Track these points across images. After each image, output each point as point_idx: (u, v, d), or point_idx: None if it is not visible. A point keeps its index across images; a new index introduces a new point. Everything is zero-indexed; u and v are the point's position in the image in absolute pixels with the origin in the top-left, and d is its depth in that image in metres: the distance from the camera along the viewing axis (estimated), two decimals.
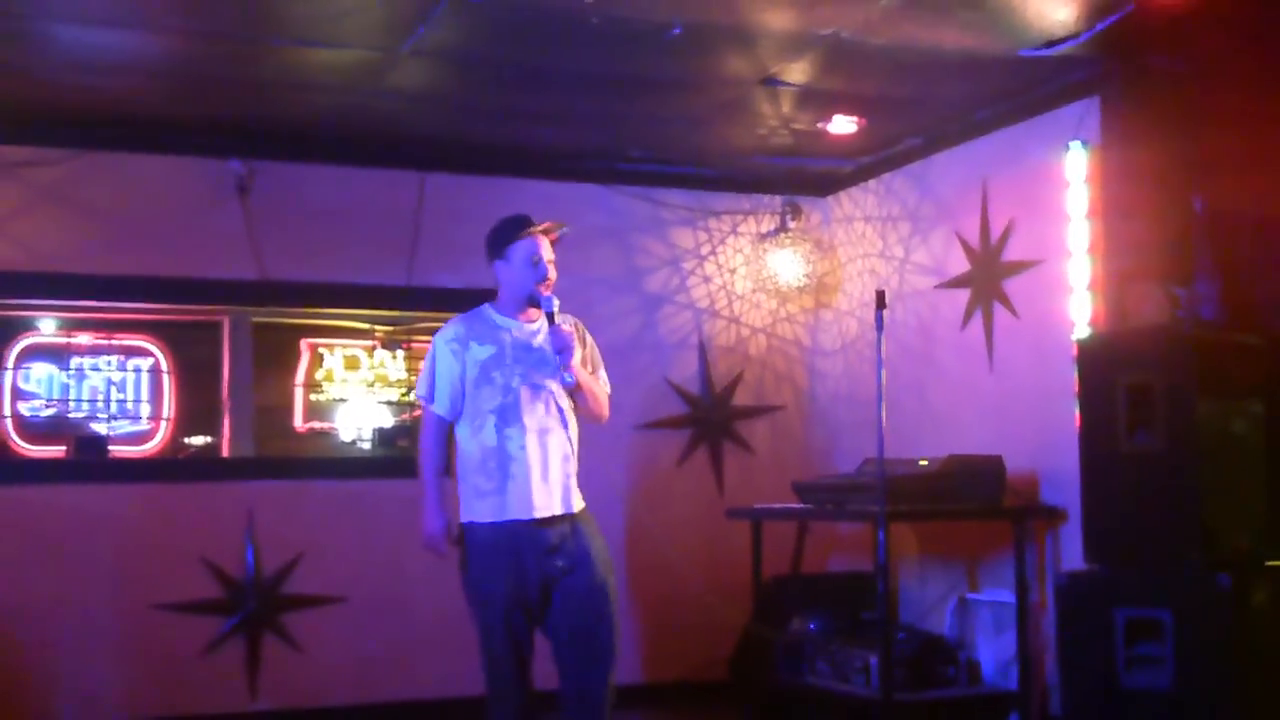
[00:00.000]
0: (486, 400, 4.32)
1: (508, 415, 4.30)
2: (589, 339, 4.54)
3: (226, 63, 5.76)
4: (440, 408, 4.41)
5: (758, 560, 6.60)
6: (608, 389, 4.56)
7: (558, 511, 4.31)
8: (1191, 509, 4.89)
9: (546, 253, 4.39)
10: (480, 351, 4.35)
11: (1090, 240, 5.91)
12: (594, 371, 4.51)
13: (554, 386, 4.35)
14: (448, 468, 4.48)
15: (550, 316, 4.34)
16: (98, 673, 6.35)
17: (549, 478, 4.32)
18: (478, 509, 4.34)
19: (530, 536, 4.27)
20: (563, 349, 4.29)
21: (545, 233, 4.42)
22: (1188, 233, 5.55)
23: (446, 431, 4.46)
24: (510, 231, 4.40)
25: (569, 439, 4.40)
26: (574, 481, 4.39)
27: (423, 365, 4.50)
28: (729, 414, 7.63)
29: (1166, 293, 5.49)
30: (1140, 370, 5.08)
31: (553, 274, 4.40)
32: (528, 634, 4.34)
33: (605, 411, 4.52)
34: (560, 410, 4.38)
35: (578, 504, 4.38)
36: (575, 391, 4.36)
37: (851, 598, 6.69)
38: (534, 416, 4.31)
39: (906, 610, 6.92)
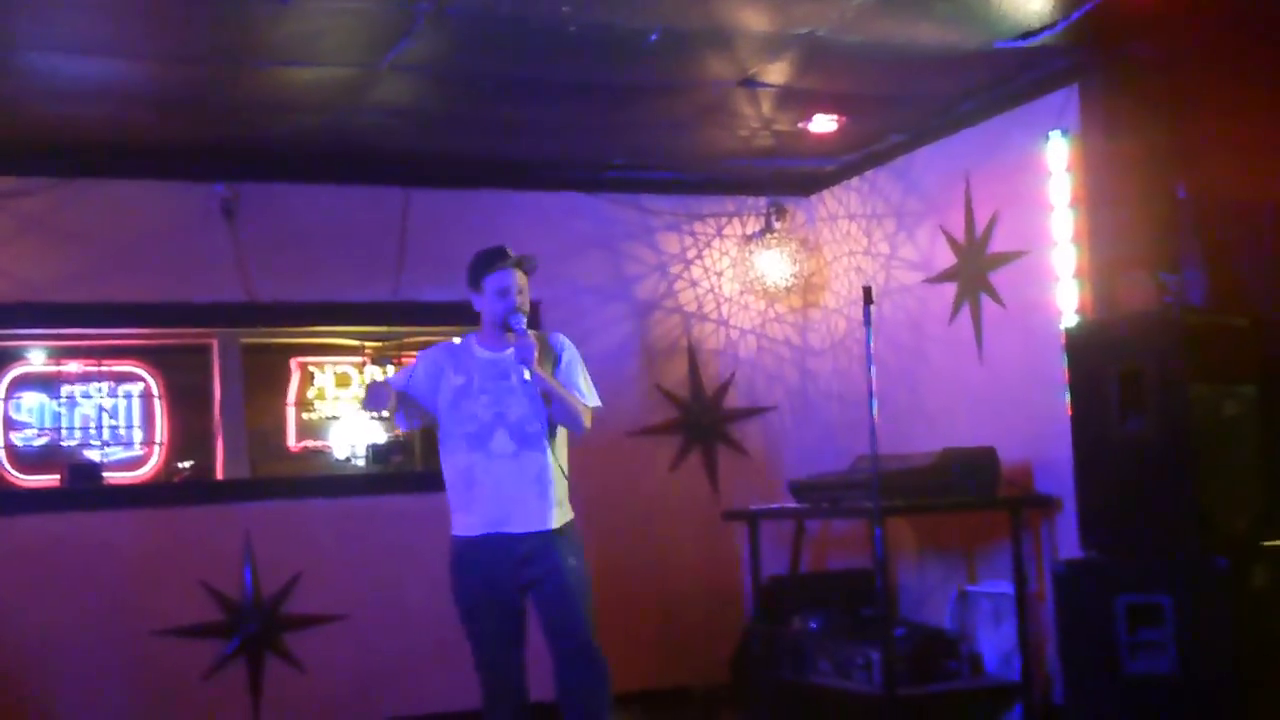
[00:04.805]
0: (458, 426, 4.56)
1: (474, 442, 4.52)
2: (568, 355, 4.68)
3: (206, 86, 5.75)
4: (398, 382, 4.66)
5: (756, 561, 6.62)
6: (592, 402, 4.67)
7: (527, 529, 4.50)
8: (1187, 493, 4.89)
9: (518, 282, 4.57)
10: (455, 379, 4.59)
11: (1075, 229, 5.93)
12: (571, 385, 4.61)
13: (523, 411, 4.51)
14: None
15: (515, 333, 4.51)
16: (99, 701, 6.32)
17: (516, 497, 4.50)
18: (456, 523, 4.60)
19: (502, 548, 4.49)
20: (524, 356, 4.46)
21: (517, 265, 4.60)
22: (1172, 219, 5.55)
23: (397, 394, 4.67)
24: (480, 266, 4.61)
25: (543, 461, 4.54)
26: (551, 501, 4.54)
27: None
28: (721, 417, 7.63)
29: (1154, 279, 5.49)
30: (1130, 357, 5.08)
31: (523, 303, 4.58)
32: (510, 638, 4.54)
33: (585, 422, 4.63)
34: (533, 435, 4.52)
35: (553, 522, 4.54)
36: (547, 399, 4.49)
37: (851, 595, 6.69)
38: (501, 441, 4.51)
39: (906, 605, 6.92)
